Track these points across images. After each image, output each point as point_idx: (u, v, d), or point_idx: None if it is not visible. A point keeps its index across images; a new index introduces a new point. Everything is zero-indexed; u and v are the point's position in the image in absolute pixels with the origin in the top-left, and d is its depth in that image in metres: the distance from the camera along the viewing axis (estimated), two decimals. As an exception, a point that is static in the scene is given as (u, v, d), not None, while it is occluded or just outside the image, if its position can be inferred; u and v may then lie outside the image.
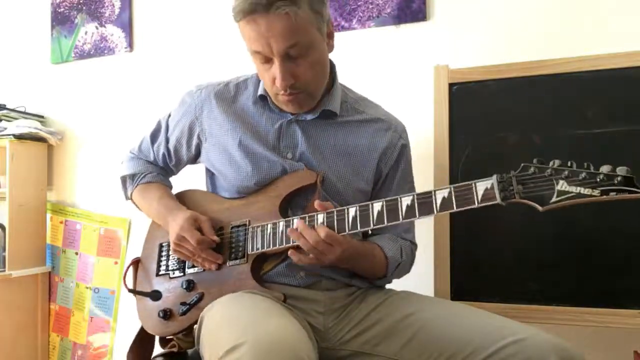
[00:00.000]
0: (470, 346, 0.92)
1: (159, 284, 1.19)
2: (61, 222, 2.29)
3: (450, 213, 1.36)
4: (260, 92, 1.15)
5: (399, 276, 1.20)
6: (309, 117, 1.14)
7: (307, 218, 1.03)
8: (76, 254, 2.25)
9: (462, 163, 1.39)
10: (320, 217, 1.02)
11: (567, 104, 1.32)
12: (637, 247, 1.24)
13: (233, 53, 1.91)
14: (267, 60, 1.03)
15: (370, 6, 1.77)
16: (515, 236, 1.34)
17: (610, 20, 1.51)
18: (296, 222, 1.03)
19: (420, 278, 1.33)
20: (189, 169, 1.33)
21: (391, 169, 1.19)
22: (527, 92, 1.35)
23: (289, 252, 1.02)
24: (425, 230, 1.28)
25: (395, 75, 1.74)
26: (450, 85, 1.41)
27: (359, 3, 1.79)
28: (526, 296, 1.31)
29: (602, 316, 1.25)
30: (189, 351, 1.14)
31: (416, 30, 1.73)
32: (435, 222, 1.40)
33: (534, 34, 1.58)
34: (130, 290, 1.22)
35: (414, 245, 1.23)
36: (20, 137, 2.13)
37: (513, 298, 1.32)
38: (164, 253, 1.23)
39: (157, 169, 1.31)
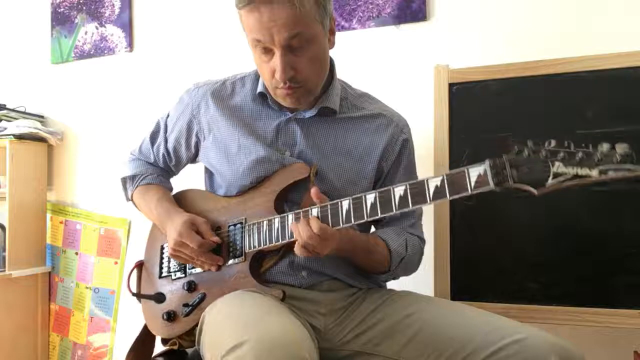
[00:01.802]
0: (471, 346, 0.92)
1: (162, 286, 1.19)
2: (61, 222, 2.29)
3: (450, 212, 1.39)
4: (259, 89, 1.14)
5: (405, 272, 1.17)
6: (307, 114, 1.13)
7: (302, 213, 1.01)
8: (76, 254, 2.25)
9: (462, 163, 1.38)
10: (315, 212, 1.00)
11: (567, 104, 1.32)
12: (637, 246, 1.24)
13: (233, 53, 1.91)
14: (268, 51, 1.02)
15: (370, 6, 1.77)
16: (515, 236, 1.34)
17: (610, 20, 1.51)
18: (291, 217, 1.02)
19: (420, 278, 1.32)
20: (188, 169, 1.33)
21: (393, 166, 1.17)
22: (527, 92, 1.35)
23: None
24: (425, 230, 1.28)
25: (395, 75, 1.74)
26: (450, 85, 1.41)
27: (359, 3, 1.79)
28: (526, 296, 1.31)
29: (602, 316, 1.25)
30: (189, 351, 1.14)
31: (416, 30, 1.73)
32: (435, 221, 1.40)
33: (534, 34, 1.58)
34: (134, 294, 1.21)
35: (422, 241, 1.21)
36: (20, 137, 2.13)
37: (513, 298, 1.32)
38: (165, 254, 1.22)
39: (157, 170, 1.30)
